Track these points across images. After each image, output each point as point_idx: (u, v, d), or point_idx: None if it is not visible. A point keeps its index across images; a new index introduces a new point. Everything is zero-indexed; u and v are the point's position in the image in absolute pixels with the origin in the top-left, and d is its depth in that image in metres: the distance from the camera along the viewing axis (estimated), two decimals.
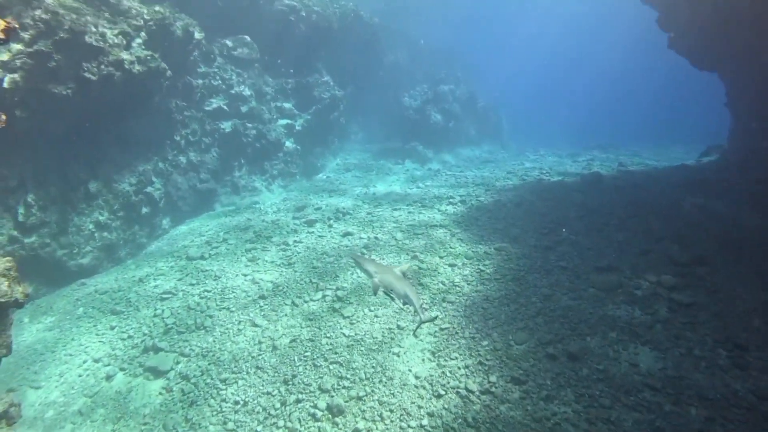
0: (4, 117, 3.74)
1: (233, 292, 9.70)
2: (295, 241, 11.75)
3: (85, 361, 8.65)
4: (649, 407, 6.32)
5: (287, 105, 19.74)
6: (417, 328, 7.97)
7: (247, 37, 18.33)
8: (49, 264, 10.77)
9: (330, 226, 12.72)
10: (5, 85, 9.75)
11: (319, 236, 12.00)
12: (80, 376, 8.38)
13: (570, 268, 9.81)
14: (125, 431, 7.17)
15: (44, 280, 10.84)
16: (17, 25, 4.86)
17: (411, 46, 35.17)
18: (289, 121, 19.25)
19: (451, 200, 15.07)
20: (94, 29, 11.03)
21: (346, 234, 11.97)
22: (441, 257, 10.64)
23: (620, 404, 6.41)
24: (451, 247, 11.11)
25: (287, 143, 18.73)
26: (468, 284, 9.46)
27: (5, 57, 9.63)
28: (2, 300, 4.67)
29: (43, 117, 10.42)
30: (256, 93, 18.13)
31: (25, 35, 10.11)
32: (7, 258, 5.20)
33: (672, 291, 8.50)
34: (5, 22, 4.52)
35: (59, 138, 10.98)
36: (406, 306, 6.96)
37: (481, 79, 45.25)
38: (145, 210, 12.78)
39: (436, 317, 8.54)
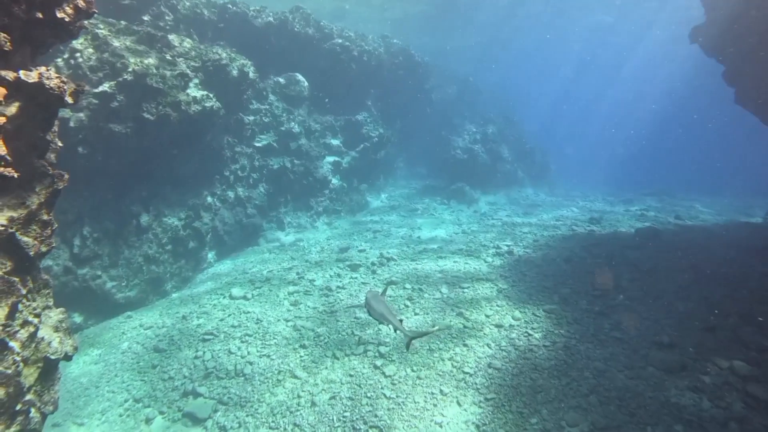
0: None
1: (274, 338, 9.77)
2: (338, 287, 11.79)
3: (126, 400, 8.82)
4: None
5: (335, 142, 20.19)
6: (407, 344, 7.18)
7: (299, 75, 18.97)
8: (98, 295, 11.19)
9: (374, 272, 12.72)
10: (71, 124, 10.40)
11: (363, 283, 12.00)
12: (121, 416, 8.53)
13: (626, 340, 9.36)
14: None
15: (93, 311, 11.24)
16: (86, 87, 5.18)
17: (459, 84, 35.55)
18: (336, 158, 19.64)
19: (498, 250, 14.85)
20: (155, 71, 11.68)
21: (390, 283, 11.92)
22: (487, 315, 10.41)
23: None
24: (497, 305, 10.87)
25: (333, 180, 19.06)
26: (515, 349, 9.19)
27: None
28: (53, 357, 4.83)
29: (103, 154, 11.01)
30: (305, 130, 18.64)
31: (93, 77, 10.81)
32: (61, 309, 5.41)
33: (747, 382, 7.82)
34: (75, 85, 4.82)
35: (115, 174, 11.55)
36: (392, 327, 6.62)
37: (528, 117, 45.12)
38: (192, 244, 13.18)
39: (433, 330, 8.29)
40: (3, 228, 4.22)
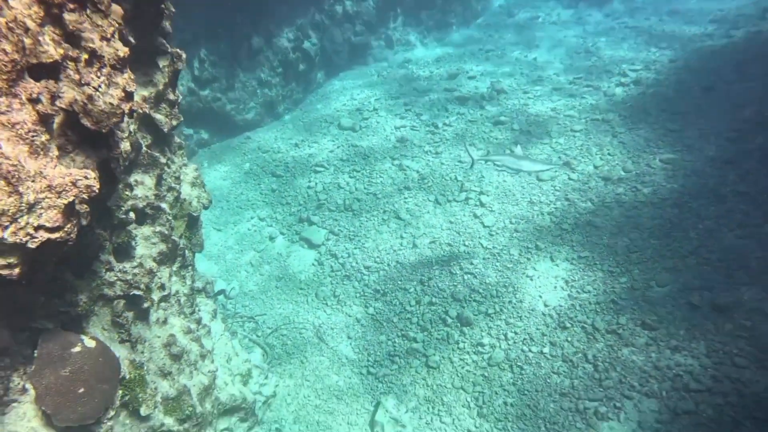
0: None
1: (380, 176, 10.33)
2: (444, 125, 11.70)
3: (252, 218, 10.28)
4: None
5: None
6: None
7: None
8: (220, 116, 12.18)
9: (482, 107, 12.29)
10: None
11: (470, 121, 11.76)
12: (249, 230, 10.07)
13: (751, 194, 8.64)
14: (286, 291, 8.78)
15: (216, 129, 12.40)
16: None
17: None
18: None
19: (623, 78, 13.20)
20: None
21: (497, 123, 11.50)
22: (596, 167, 9.99)
23: (758, 366, 6.26)
24: (609, 154, 10.29)
25: None
26: (619, 206, 8.99)
27: None
28: (195, 214, 5.63)
29: None
30: None
31: None
32: (194, 165, 6.07)
33: None
34: None
35: None
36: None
37: None
38: (301, 67, 13.34)
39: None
40: (140, 107, 4.61)
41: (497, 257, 8.50)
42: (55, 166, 2.55)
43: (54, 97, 2.59)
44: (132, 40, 3.89)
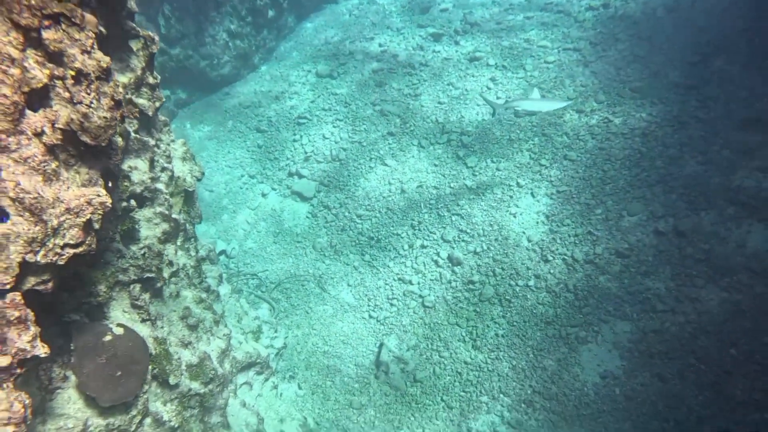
0: None
1: (363, 123, 10.47)
2: (420, 64, 11.66)
3: (242, 176, 10.49)
4: (740, 289, 6.94)
5: None
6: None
7: None
8: (195, 74, 12.02)
9: (456, 42, 12.13)
10: None
11: (445, 59, 11.65)
12: (241, 188, 10.33)
13: (708, 120, 9.10)
14: (284, 245, 9.20)
15: (193, 88, 12.28)
16: None
17: None
18: None
19: (591, 2, 12.82)
20: None
21: (473, 59, 11.43)
22: (570, 98, 10.08)
23: (713, 284, 7.17)
24: (582, 85, 10.49)
25: None
26: (593, 138, 9.35)
27: None
28: (190, 189, 5.87)
29: None
30: None
31: None
32: (182, 140, 6.24)
33: None
34: None
35: None
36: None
37: None
38: (271, 13, 12.99)
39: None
40: (122, 93, 4.73)
41: (481, 197, 8.87)
42: (68, 188, 2.80)
43: (53, 122, 2.78)
44: (103, 30, 3.95)
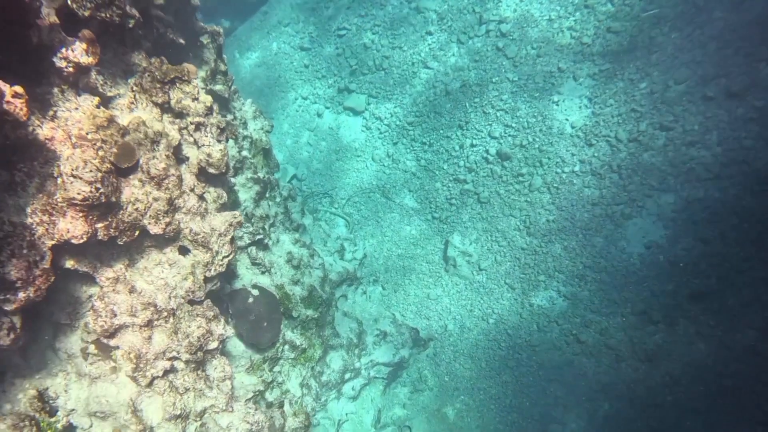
0: None
1: (401, 26, 10.51)
2: None
3: (296, 99, 11.22)
4: None
5: None
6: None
7: None
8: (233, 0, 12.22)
9: None
10: None
11: None
12: (297, 111, 11.12)
13: None
14: (346, 161, 10.17)
15: (234, 14, 12.57)
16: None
17: None
18: None
19: None
20: None
21: None
22: None
23: (763, 143, 7.14)
24: None
25: None
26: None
27: None
28: (267, 147, 6.83)
29: None
30: None
31: None
32: (250, 100, 7.09)
33: None
34: None
35: None
36: None
37: None
38: None
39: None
40: (203, 86, 5.60)
41: (524, 89, 9.10)
42: (215, 217, 3.89)
43: (195, 174, 3.83)
44: (182, 41, 4.73)
